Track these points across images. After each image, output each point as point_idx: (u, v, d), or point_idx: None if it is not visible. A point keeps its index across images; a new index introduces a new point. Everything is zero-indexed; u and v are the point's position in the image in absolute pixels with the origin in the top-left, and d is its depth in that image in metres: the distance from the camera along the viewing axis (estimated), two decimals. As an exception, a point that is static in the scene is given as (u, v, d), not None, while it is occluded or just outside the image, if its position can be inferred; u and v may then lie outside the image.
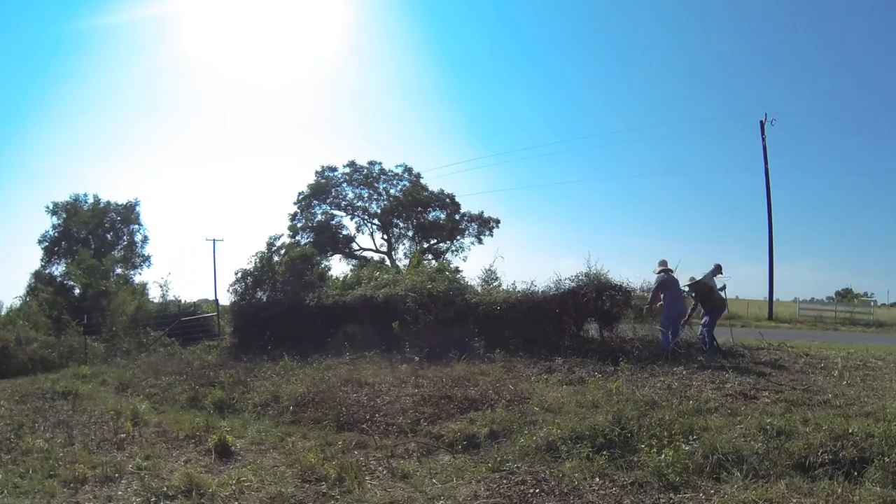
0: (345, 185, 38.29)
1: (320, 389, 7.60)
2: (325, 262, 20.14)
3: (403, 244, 39.02)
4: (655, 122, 76.29)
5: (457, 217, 38.19)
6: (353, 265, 33.09)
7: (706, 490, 4.01)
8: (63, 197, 37.77)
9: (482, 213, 38.29)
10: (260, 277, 14.28)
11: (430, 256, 35.54)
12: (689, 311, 10.10)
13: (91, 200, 37.91)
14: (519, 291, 11.26)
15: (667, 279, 9.66)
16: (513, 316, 10.58)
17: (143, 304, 19.60)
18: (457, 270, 17.45)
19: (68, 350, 13.70)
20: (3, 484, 4.56)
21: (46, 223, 36.73)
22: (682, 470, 4.23)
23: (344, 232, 38.45)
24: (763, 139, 25.21)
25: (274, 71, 72.10)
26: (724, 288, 10.55)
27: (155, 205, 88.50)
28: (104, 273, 19.86)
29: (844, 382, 7.16)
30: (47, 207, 36.61)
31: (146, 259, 39.52)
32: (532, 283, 11.23)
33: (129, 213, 38.89)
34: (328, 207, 38.20)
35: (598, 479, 4.27)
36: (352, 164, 38.01)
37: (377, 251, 38.57)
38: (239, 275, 14.39)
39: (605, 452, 4.68)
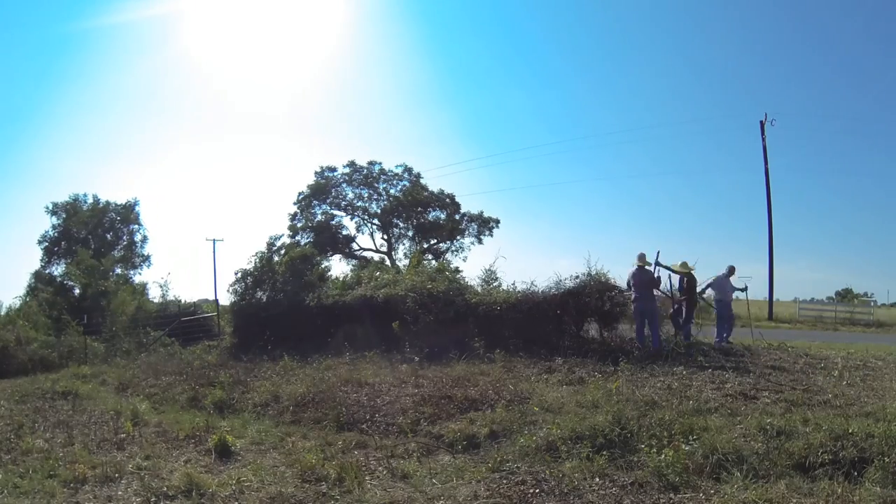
0: (345, 185, 38.26)
1: (320, 389, 7.61)
2: (325, 263, 20.23)
3: (403, 244, 39.02)
4: (653, 122, 76.22)
5: (457, 217, 38.12)
6: (353, 265, 33.13)
7: (706, 490, 4.00)
8: (63, 197, 37.84)
9: (482, 213, 38.27)
10: (260, 277, 14.29)
11: (430, 256, 35.50)
12: (671, 308, 10.12)
13: (91, 200, 37.95)
14: (519, 291, 11.26)
15: (633, 271, 9.60)
16: (513, 316, 10.57)
17: (143, 304, 19.62)
18: (457, 270, 17.49)
19: (68, 350, 13.74)
20: (3, 484, 4.56)
21: (46, 223, 36.82)
22: (682, 470, 4.23)
23: (344, 232, 38.44)
24: (763, 139, 25.18)
25: (274, 71, 72.12)
26: (745, 289, 10.64)
27: (155, 205, 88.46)
28: (104, 273, 19.91)
29: (844, 382, 7.16)
30: (47, 208, 36.70)
31: (146, 259, 39.55)
32: (532, 283, 11.27)
33: (128, 213, 38.87)
34: (328, 207, 38.16)
35: (598, 479, 4.27)
36: (352, 164, 37.99)
37: (377, 251, 38.59)
38: (239, 275, 14.42)
39: (605, 452, 4.68)
